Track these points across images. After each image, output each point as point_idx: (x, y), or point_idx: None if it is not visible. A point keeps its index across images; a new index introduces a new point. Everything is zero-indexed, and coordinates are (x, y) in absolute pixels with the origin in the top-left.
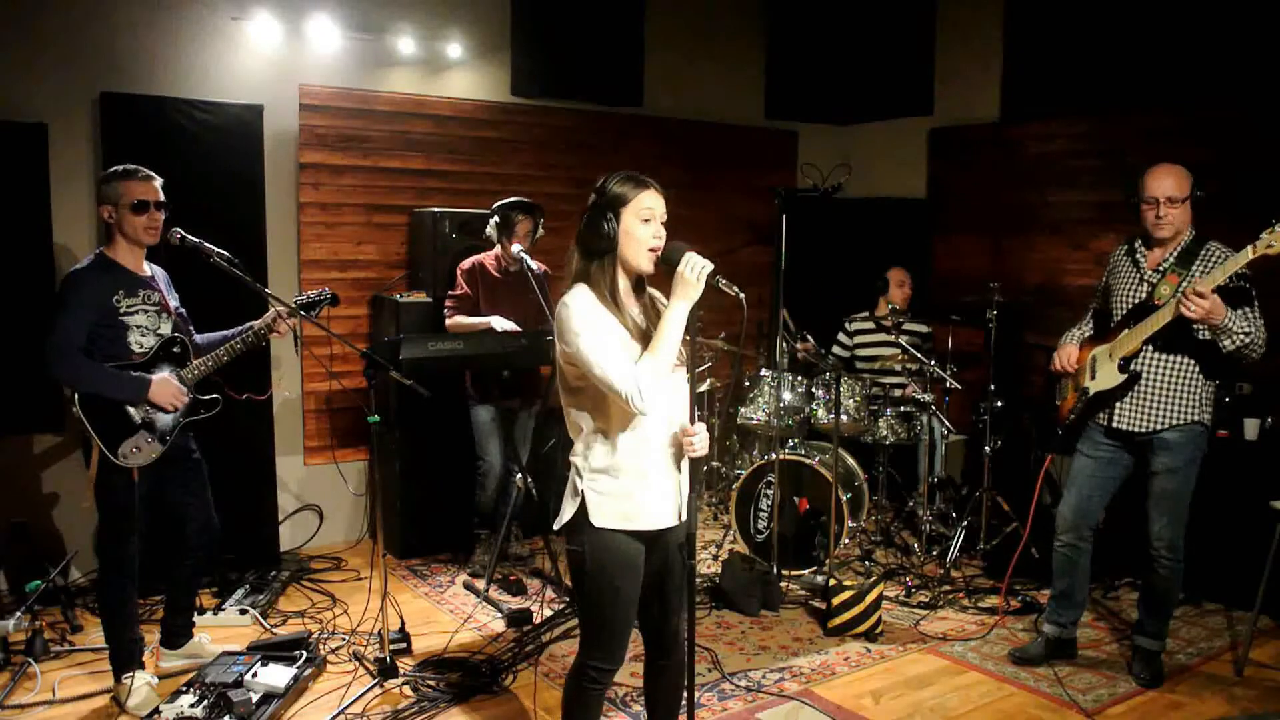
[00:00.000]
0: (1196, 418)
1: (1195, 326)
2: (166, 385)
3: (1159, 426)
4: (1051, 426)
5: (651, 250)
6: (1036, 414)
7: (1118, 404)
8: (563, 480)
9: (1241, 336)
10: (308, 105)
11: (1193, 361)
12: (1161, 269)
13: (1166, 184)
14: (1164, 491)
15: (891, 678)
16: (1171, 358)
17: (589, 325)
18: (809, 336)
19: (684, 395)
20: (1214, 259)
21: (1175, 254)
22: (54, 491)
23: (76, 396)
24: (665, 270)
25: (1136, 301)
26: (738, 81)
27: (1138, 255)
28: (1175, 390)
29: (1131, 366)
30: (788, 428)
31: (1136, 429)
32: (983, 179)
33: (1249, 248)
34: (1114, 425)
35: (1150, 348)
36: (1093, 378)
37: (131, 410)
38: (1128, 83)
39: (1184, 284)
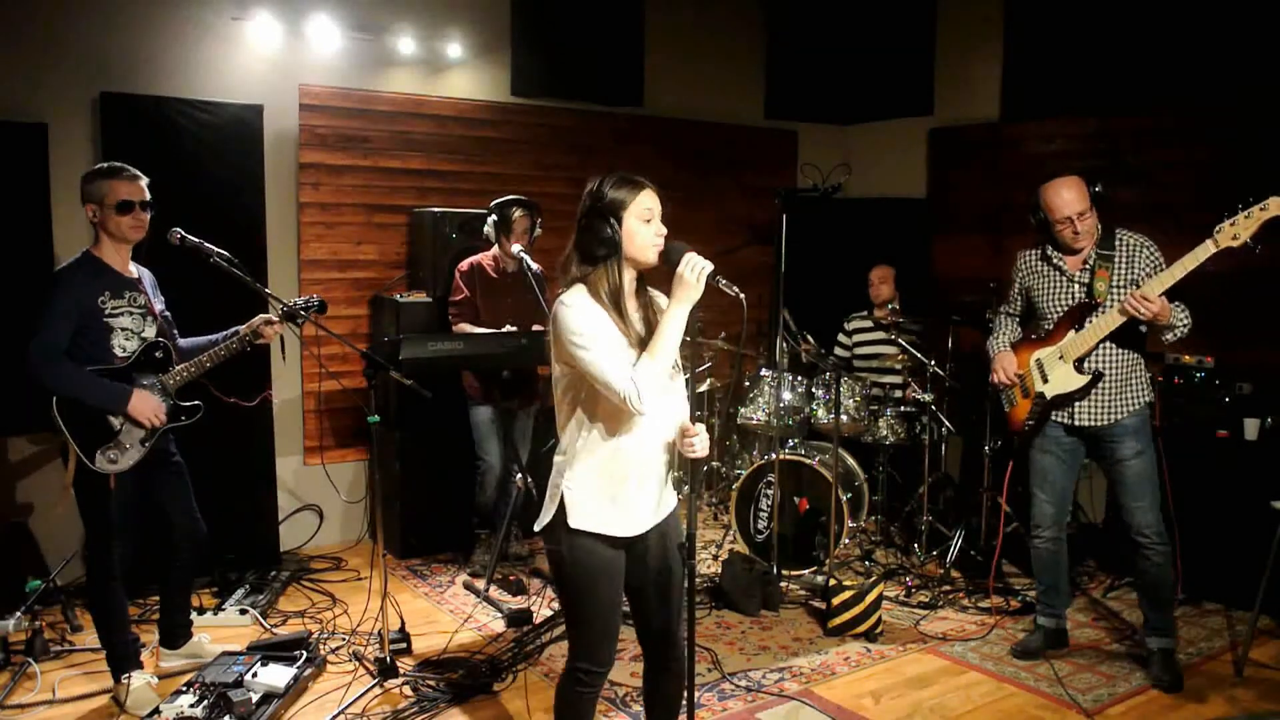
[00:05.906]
0: (1147, 398)
1: (1140, 324)
2: (146, 401)
3: (1120, 417)
4: (1010, 435)
5: (655, 249)
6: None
7: (1076, 403)
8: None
9: (1183, 329)
10: (308, 105)
11: (1137, 351)
12: (1088, 267)
13: (1072, 202)
14: (1139, 475)
15: (891, 678)
16: (1122, 351)
17: (588, 325)
18: (809, 337)
19: (681, 400)
20: (1131, 246)
21: (1094, 251)
22: (53, 492)
23: (54, 400)
24: (669, 271)
25: (1073, 303)
26: (738, 81)
27: (1054, 260)
28: (1127, 380)
29: (1092, 367)
30: (788, 428)
31: (1098, 423)
32: (983, 179)
33: (1209, 242)
34: (1075, 424)
35: (1101, 346)
36: (1045, 381)
37: (110, 416)
38: (1128, 83)
39: (1115, 277)
